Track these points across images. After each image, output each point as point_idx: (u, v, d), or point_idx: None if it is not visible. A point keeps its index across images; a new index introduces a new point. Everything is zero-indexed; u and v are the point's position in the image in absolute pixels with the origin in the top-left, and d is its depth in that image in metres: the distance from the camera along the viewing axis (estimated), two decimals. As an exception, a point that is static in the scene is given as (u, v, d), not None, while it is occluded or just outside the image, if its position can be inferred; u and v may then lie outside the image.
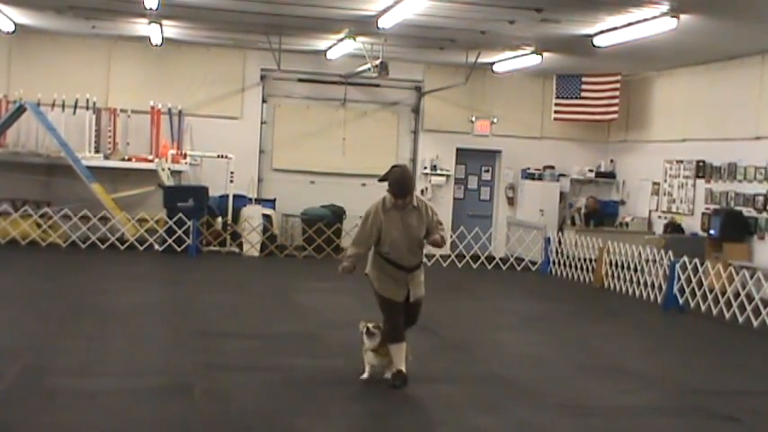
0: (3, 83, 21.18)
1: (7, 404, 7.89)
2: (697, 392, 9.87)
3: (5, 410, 7.70)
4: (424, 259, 9.68)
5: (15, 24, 19.81)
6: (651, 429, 8.30)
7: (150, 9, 16.64)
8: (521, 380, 9.90)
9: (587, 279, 18.83)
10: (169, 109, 21.96)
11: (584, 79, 22.40)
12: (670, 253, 16.43)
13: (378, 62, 20.01)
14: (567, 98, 22.74)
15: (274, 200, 22.22)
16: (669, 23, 14.77)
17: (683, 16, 14.57)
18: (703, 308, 15.12)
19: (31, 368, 9.20)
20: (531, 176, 23.90)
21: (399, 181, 8.87)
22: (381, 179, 9.05)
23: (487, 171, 24.63)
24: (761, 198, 18.24)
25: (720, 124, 19.56)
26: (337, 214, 21.77)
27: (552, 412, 8.61)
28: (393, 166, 9.26)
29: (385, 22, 16.38)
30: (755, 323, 13.92)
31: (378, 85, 22.94)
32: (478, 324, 13.54)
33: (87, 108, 21.22)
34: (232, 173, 21.12)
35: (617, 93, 22.12)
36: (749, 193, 18.61)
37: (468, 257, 20.36)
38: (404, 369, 8.92)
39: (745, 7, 14.06)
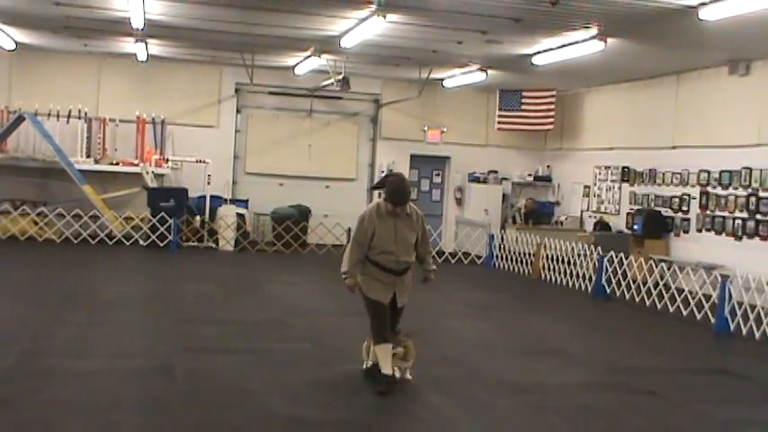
0: (4, 95, 21.00)
1: (8, 383, 7.82)
2: (621, 370, 9.96)
3: (6, 388, 7.64)
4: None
5: (16, 43, 19.71)
6: (582, 404, 8.33)
7: (137, 29, 16.58)
8: (468, 361, 9.93)
9: (526, 271, 18.91)
10: (153, 118, 21.81)
11: (523, 94, 22.50)
12: (599, 248, 16.56)
13: (340, 77, 20.02)
14: (509, 110, 22.82)
15: (247, 200, 22.10)
16: (597, 46, 14.88)
17: (609, 40, 14.70)
18: (627, 296, 15.28)
19: (29, 351, 9.13)
20: (476, 180, 23.98)
21: (398, 191, 8.16)
22: (375, 187, 8.37)
23: (438, 175, 24.68)
24: (677, 200, 18.47)
25: (642, 135, 19.77)
26: (304, 213, 21.73)
27: (495, 389, 8.64)
28: (388, 175, 8.62)
29: (347, 42, 16.36)
30: (671, 309, 14.08)
31: (340, 98, 22.90)
32: (430, 311, 13.50)
33: (80, 117, 21.10)
34: (209, 176, 21.01)
35: (553, 106, 22.25)
36: (667, 196, 18.83)
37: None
38: (389, 372, 8.17)
39: (663, 34, 14.21)
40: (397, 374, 8.29)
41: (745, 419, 8.18)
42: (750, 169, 16.39)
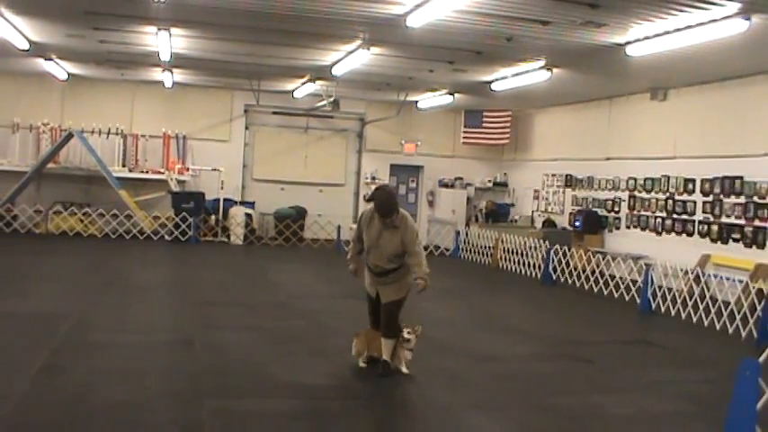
0: (58, 116, 21.10)
1: (60, 352, 7.86)
2: (565, 343, 10.03)
3: (59, 357, 7.68)
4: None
5: (68, 74, 19.86)
6: (533, 370, 8.41)
7: (164, 61, 16.65)
8: (438, 336, 9.90)
9: (487, 262, 18.99)
10: (176, 134, 21.81)
11: (484, 113, 22.61)
12: (547, 242, 16.67)
13: (331, 99, 20.08)
14: (472, 127, 22.94)
15: (254, 202, 22.09)
16: (545, 75, 15.00)
17: (555, 70, 14.83)
18: (570, 282, 15.40)
19: (77, 326, 9.14)
20: (445, 185, 24.06)
21: (383, 204, 7.47)
22: (369, 199, 7.78)
23: (413, 181, 24.73)
24: (610, 202, 18.62)
25: (582, 148, 19.90)
26: (301, 213, 21.77)
27: (461, 359, 8.70)
28: (377, 188, 7.77)
29: (337, 70, 16.43)
30: (605, 292, 14.22)
31: (332, 117, 22.92)
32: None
33: (117, 134, 21.17)
34: (222, 182, 21.08)
35: (508, 124, 22.38)
36: (602, 199, 18.98)
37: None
38: (379, 356, 7.79)
39: (598, 66, 14.31)
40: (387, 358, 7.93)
41: (664, 380, 8.29)
42: (668, 177, 16.57)
